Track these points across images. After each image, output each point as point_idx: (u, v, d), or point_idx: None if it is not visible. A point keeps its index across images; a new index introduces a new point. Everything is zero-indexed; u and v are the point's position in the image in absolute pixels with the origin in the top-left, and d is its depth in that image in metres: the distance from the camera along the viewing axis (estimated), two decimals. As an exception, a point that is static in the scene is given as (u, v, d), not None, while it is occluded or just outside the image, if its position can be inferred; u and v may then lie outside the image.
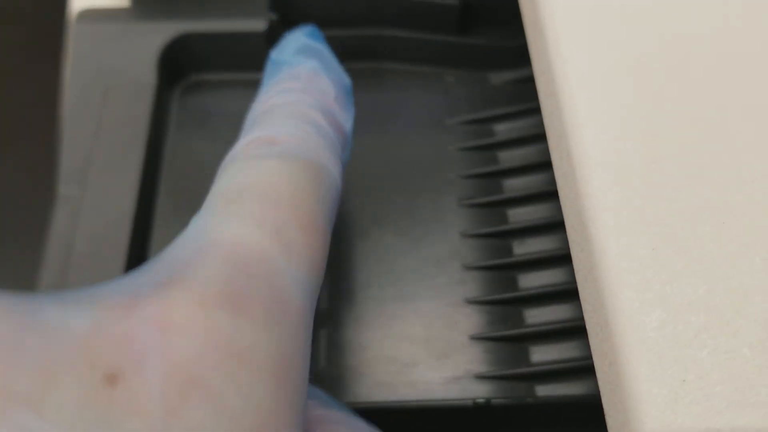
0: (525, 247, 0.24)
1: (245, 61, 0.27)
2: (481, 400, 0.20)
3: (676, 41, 0.19)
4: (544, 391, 0.21)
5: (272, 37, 0.27)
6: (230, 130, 0.27)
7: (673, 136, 0.17)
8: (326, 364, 0.22)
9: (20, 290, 0.27)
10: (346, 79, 0.21)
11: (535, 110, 0.27)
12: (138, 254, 0.24)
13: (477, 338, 0.22)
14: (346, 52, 0.28)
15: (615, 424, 0.14)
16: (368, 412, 0.21)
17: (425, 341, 0.22)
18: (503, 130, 0.27)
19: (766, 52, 0.18)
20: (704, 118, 0.17)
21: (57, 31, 0.51)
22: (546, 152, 0.26)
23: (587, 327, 0.16)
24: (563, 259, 0.23)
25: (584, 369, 0.21)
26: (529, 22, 0.21)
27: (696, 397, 0.14)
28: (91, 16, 0.27)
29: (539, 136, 0.26)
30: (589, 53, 0.19)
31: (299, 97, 0.19)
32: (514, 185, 0.25)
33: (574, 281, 0.23)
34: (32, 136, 0.47)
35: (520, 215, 0.25)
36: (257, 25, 0.27)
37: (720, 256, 0.15)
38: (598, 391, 0.21)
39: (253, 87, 0.28)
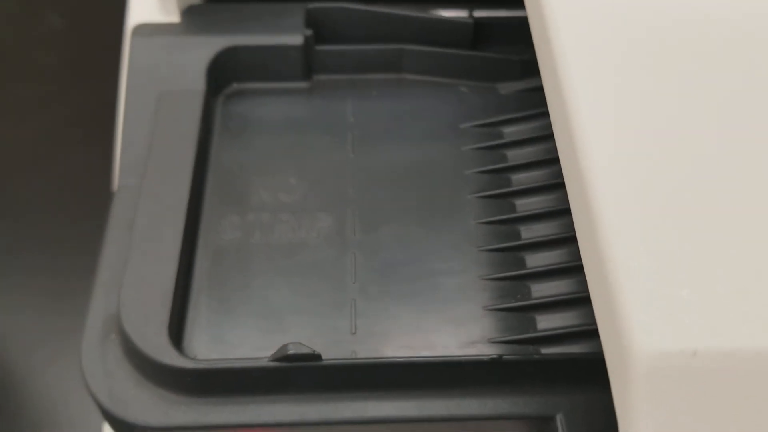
0: (531, 232, 0.27)
1: (283, 71, 0.31)
2: (494, 356, 0.23)
3: (678, 40, 0.22)
4: (548, 351, 0.24)
5: (307, 50, 0.31)
6: (267, 132, 0.31)
7: (665, 130, 0.20)
8: (356, 330, 0.25)
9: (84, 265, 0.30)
10: None
11: (539, 115, 0.30)
12: (191, 237, 0.27)
13: (490, 309, 0.25)
14: (372, 65, 0.32)
15: (612, 347, 0.17)
16: (393, 367, 0.24)
17: (444, 312, 0.25)
18: (511, 132, 0.30)
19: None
20: (698, 112, 0.20)
21: (94, 53, 0.55)
22: (548, 150, 0.29)
23: (588, 281, 0.19)
24: (564, 241, 0.26)
25: (583, 333, 0.24)
26: (537, 35, 0.24)
27: (677, 326, 0.17)
28: (145, 30, 0.31)
29: (542, 137, 0.29)
30: (590, 60, 0.22)
31: None
32: (521, 179, 0.29)
33: (574, 260, 0.26)
34: (79, 147, 0.50)
35: (526, 205, 0.28)
36: (294, 39, 0.31)
37: (699, 222, 0.18)
38: (595, 350, 0.24)
39: (288, 95, 0.32)
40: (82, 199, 0.50)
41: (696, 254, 0.18)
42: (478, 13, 0.31)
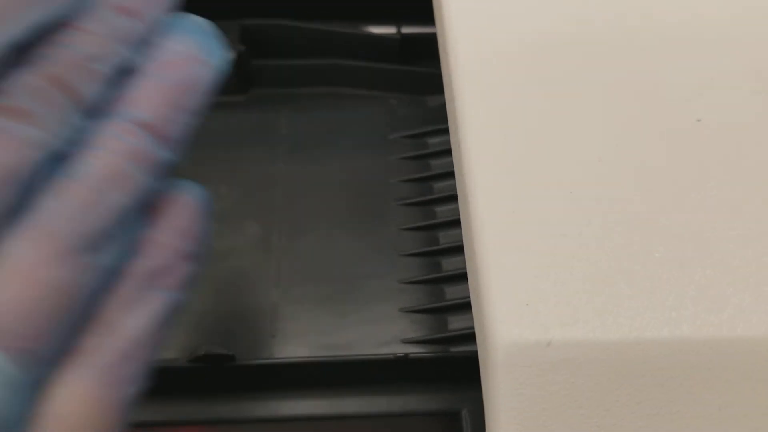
0: (449, 237, 0.28)
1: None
2: (400, 354, 0.24)
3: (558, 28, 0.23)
4: (458, 350, 0.25)
5: (242, 64, 0.32)
6: (201, 143, 0.31)
7: (534, 143, 0.21)
8: (276, 333, 0.26)
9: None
10: None
11: (464, 126, 0.31)
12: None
13: (406, 311, 0.26)
14: (307, 79, 0.33)
15: (480, 339, 0.18)
16: (303, 366, 0.25)
17: (362, 314, 0.26)
18: (435, 142, 0.31)
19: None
20: (565, 119, 0.22)
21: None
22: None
23: (468, 274, 0.20)
24: (479, 245, 0.27)
25: (492, 333, 0.25)
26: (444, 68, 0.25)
27: (534, 318, 0.18)
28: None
29: (466, 147, 0.30)
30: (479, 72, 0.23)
31: None
32: (442, 187, 0.30)
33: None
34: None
35: (446, 212, 0.29)
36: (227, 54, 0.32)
37: (559, 224, 0.19)
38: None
39: (224, 108, 0.33)
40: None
41: (555, 253, 0.19)
42: (406, 30, 0.33)
